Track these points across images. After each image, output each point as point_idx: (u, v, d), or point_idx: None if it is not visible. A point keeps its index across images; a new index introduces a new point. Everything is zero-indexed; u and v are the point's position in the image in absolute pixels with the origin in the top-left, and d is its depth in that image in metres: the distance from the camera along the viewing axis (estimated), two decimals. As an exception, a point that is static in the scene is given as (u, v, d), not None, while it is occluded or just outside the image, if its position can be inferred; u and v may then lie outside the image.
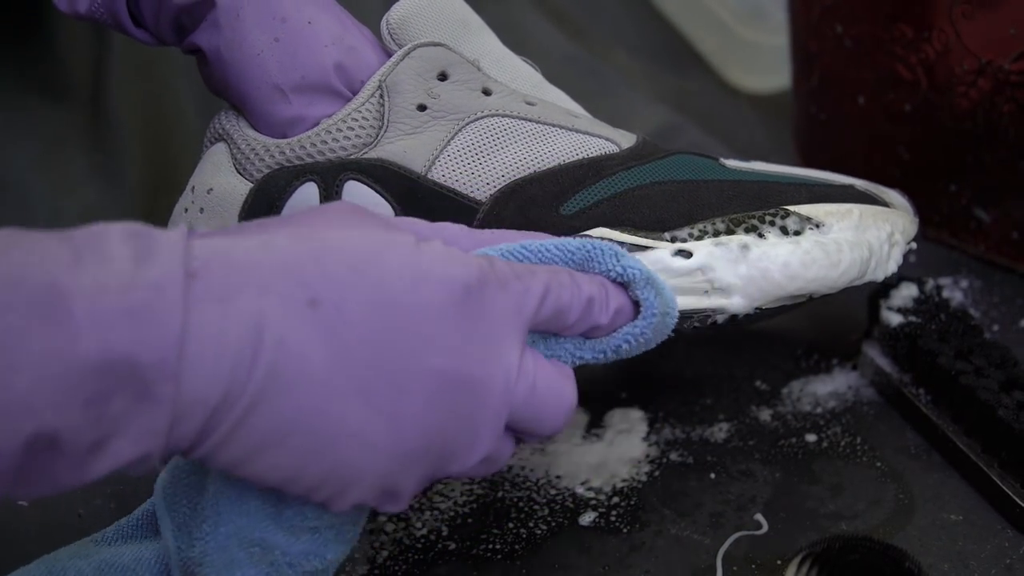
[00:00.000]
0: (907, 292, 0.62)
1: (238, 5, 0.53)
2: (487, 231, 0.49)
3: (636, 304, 0.49)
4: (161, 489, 0.47)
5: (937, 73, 0.67)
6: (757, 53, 0.90)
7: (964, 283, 0.70)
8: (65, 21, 0.63)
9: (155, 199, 0.76)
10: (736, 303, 0.54)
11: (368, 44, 0.55)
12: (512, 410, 0.44)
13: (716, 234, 0.54)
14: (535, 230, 0.53)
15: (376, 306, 0.41)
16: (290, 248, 0.41)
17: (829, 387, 0.63)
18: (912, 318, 0.61)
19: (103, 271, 0.37)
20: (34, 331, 0.36)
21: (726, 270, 0.54)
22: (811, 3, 0.72)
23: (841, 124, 0.74)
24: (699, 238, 0.54)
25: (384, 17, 0.55)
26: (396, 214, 0.53)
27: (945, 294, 0.64)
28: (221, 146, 0.55)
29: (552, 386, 0.45)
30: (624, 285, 0.48)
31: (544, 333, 0.47)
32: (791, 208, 0.55)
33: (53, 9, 0.55)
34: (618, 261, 0.48)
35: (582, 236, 0.53)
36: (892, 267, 0.58)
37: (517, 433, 0.46)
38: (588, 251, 0.48)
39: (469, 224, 0.53)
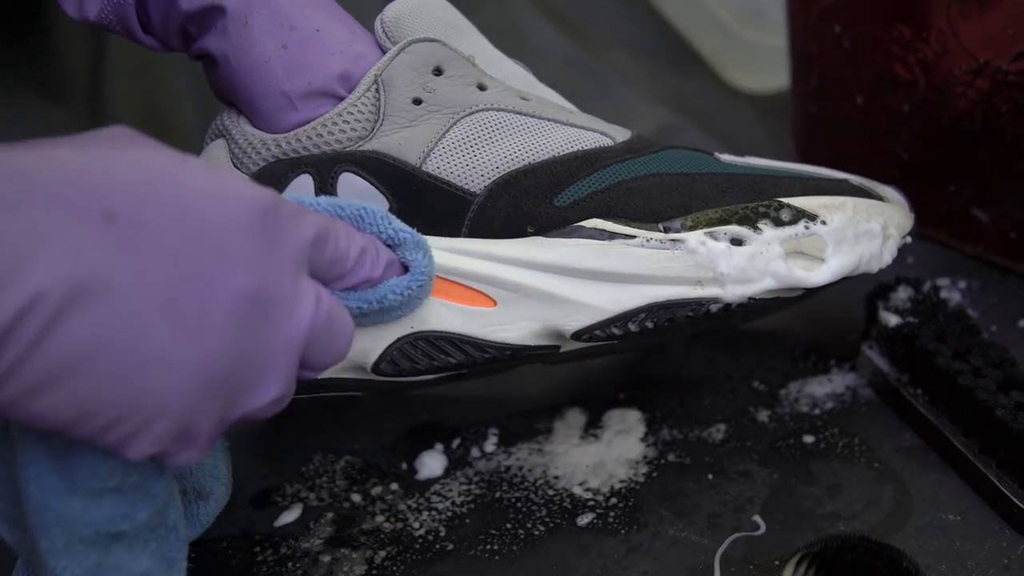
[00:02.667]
0: (905, 293, 0.62)
1: (247, 12, 0.53)
2: None
3: (405, 267, 0.50)
4: None
5: (935, 73, 0.67)
6: (757, 53, 0.90)
7: (962, 283, 0.70)
8: (64, 21, 0.63)
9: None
10: (729, 293, 0.54)
11: (376, 51, 0.55)
12: (310, 334, 0.43)
13: (709, 224, 0.54)
14: (529, 221, 0.54)
15: (176, 220, 0.39)
16: (77, 160, 0.38)
17: (827, 388, 0.63)
18: (910, 318, 0.61)
19: None
20: None
21: (719, 260, 0.54)
22: (809, 4, 0.72)
23: (840, 124, 0.74)
24: (692, 228, 0.54)
25: (378, 17, 0.55)
26: (391, 206, 0.54)
27: (943, 294, 0.64)
28: (220, 142, 0.56)
29: (339, 311, 0.46)
30: (393, 247, 0.49)
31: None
32: (785, 200, 0.55)
33: (52, 9, 0.55)
34: (389, 224, 0.49)
35: (576, 226, 0.54)
36: (887, 259, 0.58)
37: (302, 365, 0.45)
38: (358, 210, 0.48)
39: (463, 217, 0.54)
